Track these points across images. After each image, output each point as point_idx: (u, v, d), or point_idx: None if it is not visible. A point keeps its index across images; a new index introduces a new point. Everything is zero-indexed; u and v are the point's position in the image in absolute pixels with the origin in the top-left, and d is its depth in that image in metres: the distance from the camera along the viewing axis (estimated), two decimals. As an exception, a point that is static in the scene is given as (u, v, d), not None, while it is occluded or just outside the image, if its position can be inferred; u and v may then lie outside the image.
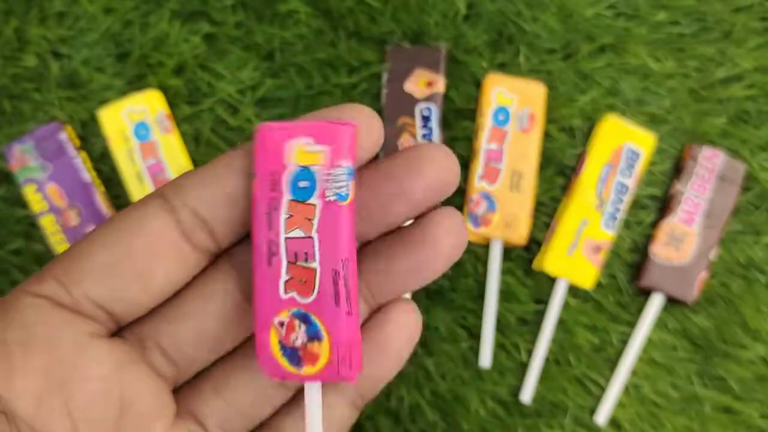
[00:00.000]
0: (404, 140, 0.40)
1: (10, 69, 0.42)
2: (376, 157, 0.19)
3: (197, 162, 0.41)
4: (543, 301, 0.42)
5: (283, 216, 0.19)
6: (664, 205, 0.42)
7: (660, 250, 0.41)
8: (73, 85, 0.42)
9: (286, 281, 0.19)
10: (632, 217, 0.42)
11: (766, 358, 0.42)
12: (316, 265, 0.19)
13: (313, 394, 0.19)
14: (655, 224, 0.42)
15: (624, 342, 0.42)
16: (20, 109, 0.42)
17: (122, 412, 0.18)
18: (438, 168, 0.18)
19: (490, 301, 0.40)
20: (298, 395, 0.20)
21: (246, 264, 0.19)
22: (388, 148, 0.40)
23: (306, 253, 0.19)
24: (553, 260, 0.40)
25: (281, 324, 0.19)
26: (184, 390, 0.19)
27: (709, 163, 0.41)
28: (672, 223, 0.41)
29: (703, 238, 0.41)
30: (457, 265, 0.42)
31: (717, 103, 0.42)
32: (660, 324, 0.42)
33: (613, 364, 0.42)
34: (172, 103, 0.41)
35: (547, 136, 0.42)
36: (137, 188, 0.40)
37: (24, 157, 0.40)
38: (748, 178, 0.42)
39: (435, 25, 0.42)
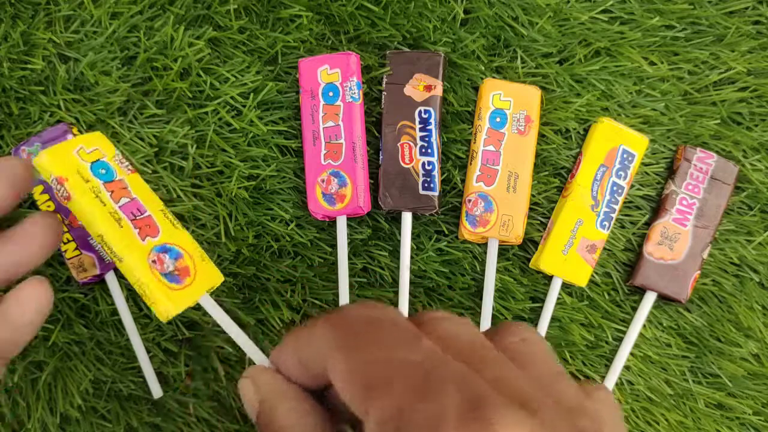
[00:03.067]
0: (403, 143, 0.41)
1: (17, 72, 0.42)
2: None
3: (199, 165, 0.42)
4: (539, 299, 0.42)
5: (321, 114, 0.38)
6: (658, 206, 0.42)
7: (654, 250, 0.41)
8: (79, 88, 0.42)
9: (325, 153, 0.38)
10: (626, 217, 0.43)
11: (758, 355, 0.42)
12: (342, 141, 0.38)
13: (342, 225, 0.38)
14: (649, 224, 0.42)
15: (618, 339, 0.42)
16: (27, 112, 0.42)
17: None
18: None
19: (486, 299, 0.41)
20: None
21: None
22: (389, 152, 0.41)
23: (336, 135, 0.38)
24: (548, 259, 0.41)
25: (323, 180, 0.37)
26: None
27: (703, 164, 0.41)
28: (666, 222, 0.41)
29: (696, 237, 0.41)
30: (455, 264, 0.42)
31: (710, 105, 0.43)
32: (654, 321, 0.42)
33: (607, 360, 0.42)
34: (176, 106, 0.42)
35: (542, 138, 0.43)
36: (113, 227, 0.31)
37: (31, 159, 0.41)
38: (741, 179, 0.43)
39: (434, 30, 0.42)
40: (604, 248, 0.42)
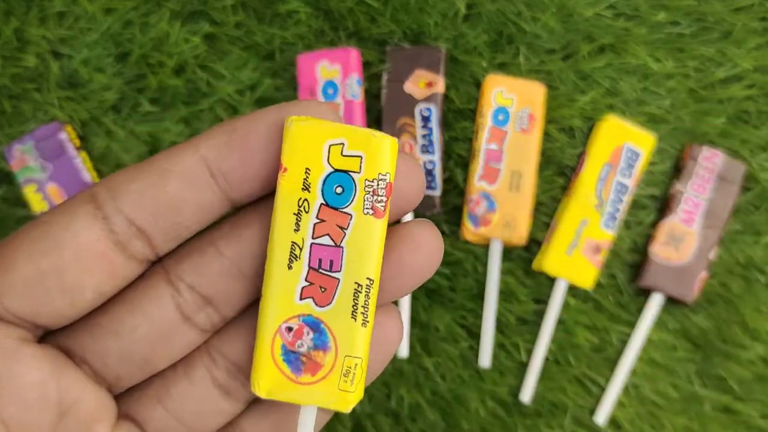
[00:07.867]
0: (404, 141, 0.40)
1: (10, 69, 0.42)
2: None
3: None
4: (543, 300, 0.42)
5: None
6: (664, 205, 0.42)
7: (660, 250, 0.41)
8: (73, 85, 0.42)
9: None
10: (632, 217, 0.42)
11: (765, 358, 0.42)
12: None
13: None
14: (654, 224, 0.42)
15: (624, 342, 0.42)
16: (20, 109, 0.42)
17: (61, 416, 0.17)
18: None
19: (489, 301, 0.40)
20: (250, 407, 0.19)
21: (185, 278, 0.18)
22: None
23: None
24: (552, 260, 0.40)
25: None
26: (126, 394, 0.19)
27: (709, 163, 0.41)
28: (672, 223, 0.41)
29: (703, 238, 0.41)
30: (457, 265, 0.42)
31: (717, 103, 0.42)
32: (660, 324, 0.42)
33: (612, 363, 0.42)
34: (171, 103, 0.41)
35: (546, 136, 0.42)
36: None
37: (24, 157, 0.40)
38: (748, 178, 0.42)
39: (435, 26, 0.42)
40: (609, 249, 0.42)
